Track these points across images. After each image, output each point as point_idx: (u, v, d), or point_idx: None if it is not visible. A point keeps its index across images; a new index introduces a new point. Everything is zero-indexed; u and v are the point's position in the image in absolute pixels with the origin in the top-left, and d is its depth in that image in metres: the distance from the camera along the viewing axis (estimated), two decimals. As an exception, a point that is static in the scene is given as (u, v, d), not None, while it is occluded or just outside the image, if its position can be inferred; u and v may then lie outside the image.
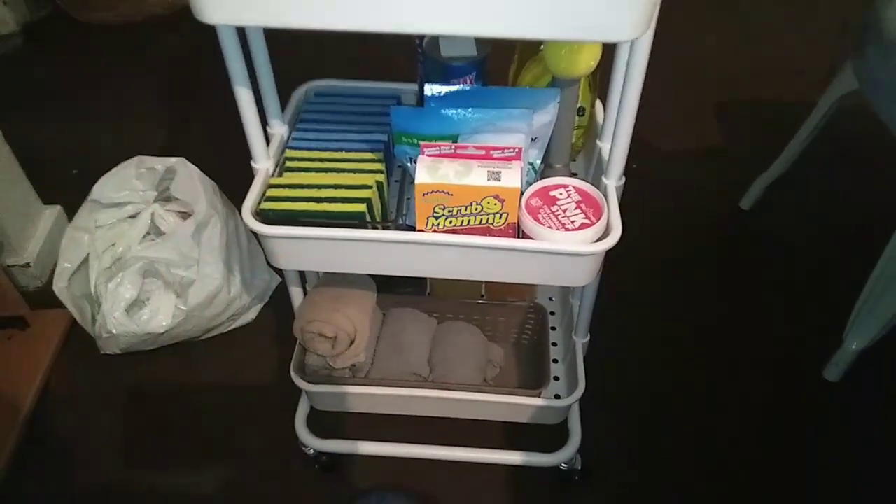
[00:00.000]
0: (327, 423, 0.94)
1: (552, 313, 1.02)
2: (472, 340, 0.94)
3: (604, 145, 0.75)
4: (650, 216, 1.29)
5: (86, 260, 1.05)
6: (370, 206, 0.67)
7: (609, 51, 0.68)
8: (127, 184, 1.07)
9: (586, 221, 0.65)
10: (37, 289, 1.18)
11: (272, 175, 0.72)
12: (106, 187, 1.07)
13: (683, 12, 1.78)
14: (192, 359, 1.07)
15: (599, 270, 0.74)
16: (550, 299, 1.04)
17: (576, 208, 0.66)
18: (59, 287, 1.03)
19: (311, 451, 0.94)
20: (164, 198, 1.09)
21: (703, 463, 0.95)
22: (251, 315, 1.13)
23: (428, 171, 0.61)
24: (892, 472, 0.93)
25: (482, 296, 1.00)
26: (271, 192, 0.68)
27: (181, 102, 1.54)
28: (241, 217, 0.67)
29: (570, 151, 0.79)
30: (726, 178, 1.37)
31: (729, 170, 1.39)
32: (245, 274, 1.10)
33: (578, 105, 0.78)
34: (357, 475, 0.94)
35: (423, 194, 0.61)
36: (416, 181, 0.61)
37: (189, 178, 1.05)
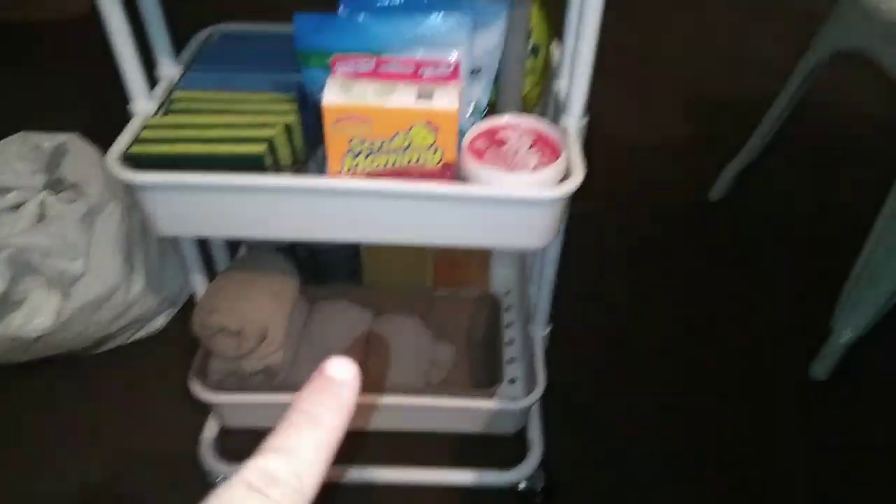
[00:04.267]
0: (242, 443, 0.78)
1: (508, 308, 0.89)
2: (414, 337, 0.80)
3: (562, 83, 0.63)
4: (618, 210, 1.19)
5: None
6: (273, 148, 0.53)
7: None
8: (8, 166, 0.91)
9: (542, 163, 0.52)
10: None
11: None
12: (-18, 170, 0.90)
13: (646, 11, 1.73)
14: (79, 373, 0.89)
15: (560, 231, 0.62)
16: (506, 293, 0.91)
17: (529, 149, 0.54)
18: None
19: (221, 480, 0.77)
20: (56, 184, 0.93)
21: (680, 477, 0.82)
22: (159, 322, 0.96)
23: (340, 89, 0.48)
24: (892, 482, 0.81)
25: (428, 286, 0.86)
26: (146, 134, 0.54)
27: (93, 96, 1.38)
28: (106, 164, 0.52)
29: (524, 102, 0.68)
30: (694, 170, 1.28)
31: (696, 162, 1.31)
32: (152, 271, 0.94)
33: (532, 42, 0.66)
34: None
35: (335, 121, 0.48)
36: (325, 102, 0.47)
37: (82, 157, 0.89)
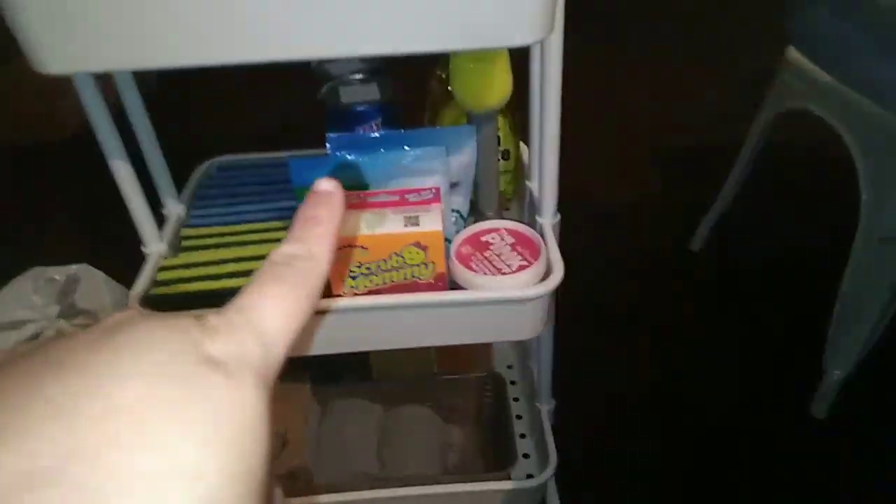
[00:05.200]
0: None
1: (513, 383, 0.93)
2: (426, 425, 0.83)
3: (533, 184, 0.69)
4: (602, 269, 1.24)
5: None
6: (278, 277, 0.58)
7: (524, 87, 0.63)
8: (24, 300, 0.96)
9: (524, 263, 0.58)
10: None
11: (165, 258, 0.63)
12: (0, 306, 0.95)
13: (604, 73, 1.84)
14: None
15: (550, 319, 0.66)
16: (509, 367, 0.95)
17: (511, 251, 0.59)
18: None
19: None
20: (70, 311, 0.98)
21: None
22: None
23: (335, 225, 0.53)
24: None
25: (434, 372, 0.89)
26: (162, 276, 0.59)
27: (98, 216, 1.45)
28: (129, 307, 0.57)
29: (501, 198, 0.74)
30: (672, 223, 1.34)
31: (673, 215, 1.37)
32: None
33: (501, 148, 0.73)
34: None
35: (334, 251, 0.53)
36: (323, 237, 0.53)
37: (94, 285, 0.95)
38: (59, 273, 0.96)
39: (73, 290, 0.96)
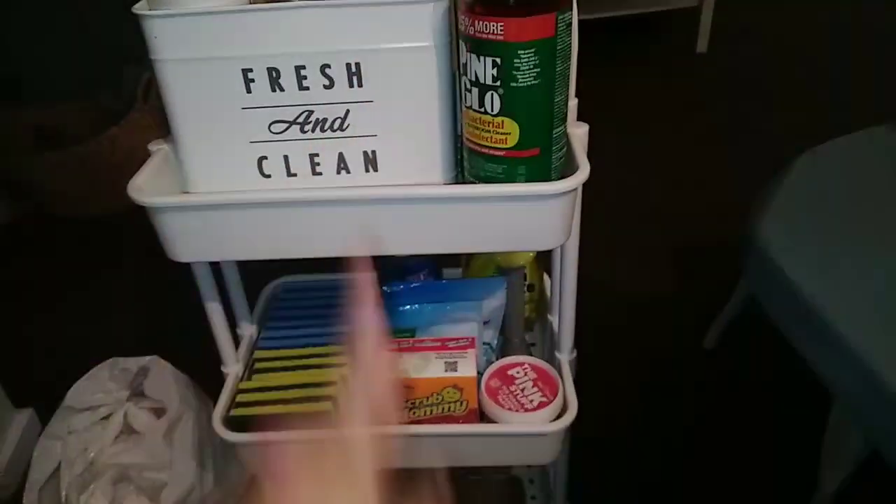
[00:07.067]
0: None
1: (531, 481, 1.02)
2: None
3: (554, 319, 0.80)
4: (615, 360, 1.31)
5: (58, 468, 1.03)
6: (336, 403, 0.69)
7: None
8: (101, 386, 1.09)
9: (544, 400, 0.68)
10: (6, 500, 1.14)
11: (241, 378, 0.75)
12: (80, 392, 1.08)
13: (629, 162, 1.93)
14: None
15: (565, 444, 0.76)
16: (531, 481, 1.04)
17: (533, 386, 0.70)
18: (30, 500, 1.00)
19: None
20: (138, 397, 1.10)
21: None
22: (227, 509, 1.10)
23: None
24: None
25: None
26: (241, 398, 0.71)
27: (158, 294, 1.58)
28: (214, 427, 0.68)
29: (527, 321, 0.84)
30: (686, 320, 1.42)
31: (688, 311, 1.45)
32: (219, 467, 1.08)
33: (527, 282, 0.84)
34: None
35: (386, 390, 0.65)
36: (378, 379, 0.64)
37: (162, 376, 1.07)
38: (132, 363, 1.09)
39: (143, 379, 1.09)
